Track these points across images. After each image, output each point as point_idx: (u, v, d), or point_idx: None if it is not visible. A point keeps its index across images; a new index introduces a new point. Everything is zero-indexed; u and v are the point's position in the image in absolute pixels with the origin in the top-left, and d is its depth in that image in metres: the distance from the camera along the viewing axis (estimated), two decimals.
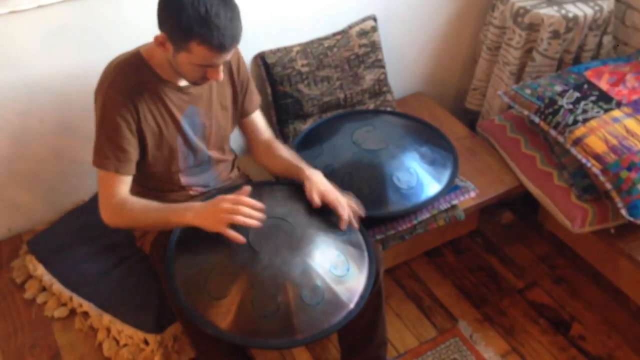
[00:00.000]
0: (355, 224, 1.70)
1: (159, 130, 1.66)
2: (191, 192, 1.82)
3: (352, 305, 1.56)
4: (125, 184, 1.64)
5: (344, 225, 1.65)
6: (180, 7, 1.41)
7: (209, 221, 1.53)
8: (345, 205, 1.68)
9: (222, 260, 1.54)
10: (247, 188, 1.60)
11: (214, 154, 1.82)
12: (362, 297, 1.58)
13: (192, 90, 1.68)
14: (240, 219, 1.51)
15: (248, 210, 1.53)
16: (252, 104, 1.85)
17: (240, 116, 1.85)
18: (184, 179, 1.79)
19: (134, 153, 1.63)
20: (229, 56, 1.50)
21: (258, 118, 1.89)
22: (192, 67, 1.51)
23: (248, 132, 1.90)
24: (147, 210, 1.61)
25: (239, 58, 1.77)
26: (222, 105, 1.78)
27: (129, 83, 1.58)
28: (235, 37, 1.46)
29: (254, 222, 1.52)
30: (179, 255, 1.60)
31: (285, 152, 1.84)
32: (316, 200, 1.65)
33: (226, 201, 1.54)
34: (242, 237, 1.51)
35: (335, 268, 1.57)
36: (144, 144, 1.65)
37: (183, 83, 1.65)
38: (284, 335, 1.48)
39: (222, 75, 1.55)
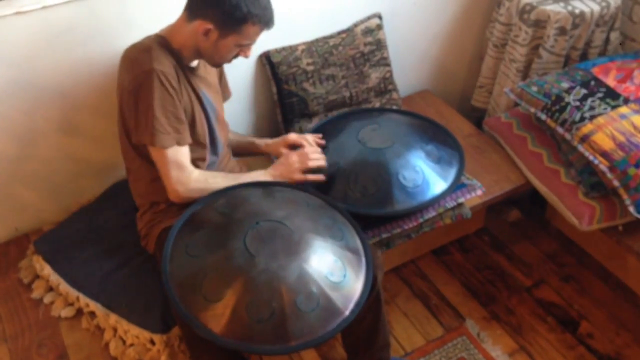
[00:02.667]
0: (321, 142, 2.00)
1: (191, 107, 1.73)
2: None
3: (347, 313, 1.53)
4: (188, 155, 1.71)
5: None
6: None
7: (286, 176, 1.82)
8: (305, 138, 1.98)
9: (218, 262, 1.53)
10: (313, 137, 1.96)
11: (222, 134, 1.90)
12: (357, 304, 1.56)
13: (200, 74, 1.76)
14: (312, 163, 1.86)
15: (314, 155, 1.88)
16: (224, 91, 2.00)
17: None
18: (207, 159, 1.86)
19: (186, 122, 1.69)
20: None
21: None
22: (234, 48, 1.66)
23: None
24: (227, 180, 1.76)
25: None
26: (217, 91, 1.89)
27: (168, 59, 1.65)
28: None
29: (322, 162, 1.89)
30: (176, 257, 1.59)
31: (232, 134, 2.05)
32: (283, 151, 1.94)
33: (293, 155, 1.86)
34: (322, 176, 1.86)
35: (331, 274, 1.55)
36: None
37: (193, 64, 1.75)
38: (278, 341, 1.46)
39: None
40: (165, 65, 1.63)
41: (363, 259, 1.66)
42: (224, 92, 2.00)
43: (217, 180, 1.75)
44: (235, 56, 1.72)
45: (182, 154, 1.68)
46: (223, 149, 1.93)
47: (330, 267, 1.56)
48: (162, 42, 1.68)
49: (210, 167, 1.88)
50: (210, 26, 1.61)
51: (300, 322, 1.47)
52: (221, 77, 1.97)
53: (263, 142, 2.05)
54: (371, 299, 1.69)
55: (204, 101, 1.77)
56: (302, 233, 1.59)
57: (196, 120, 1.75)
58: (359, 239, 1.72)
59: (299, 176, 1.83)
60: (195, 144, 1.77)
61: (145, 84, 1.61)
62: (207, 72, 1.81)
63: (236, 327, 1.46)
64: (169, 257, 1.59)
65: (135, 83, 1.62)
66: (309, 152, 1.89)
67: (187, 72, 1.72)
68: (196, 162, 1.80)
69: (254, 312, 1.46)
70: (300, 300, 1.49)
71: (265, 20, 1.65)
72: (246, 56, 1.72)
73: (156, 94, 1.61)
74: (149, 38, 1.70)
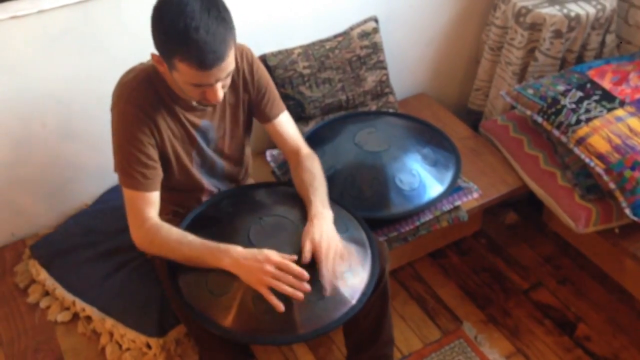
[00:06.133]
0: (336, 285, 1.51)
1: (177, 143, 1.64)
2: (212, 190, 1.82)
3: (354, 302, 1.54)
4: (153, 204, 1.58)
5: (306, 288, 1.46)
6: (161, 23, 1.38)
7: (249, 277, 1.45)
8: (330, 266, 1.51)
9: None
10: (294, 257, 1.49)
11: (229, 165, 1.82)
12: (364, 293, 1.57)
13: (201, 106, 1.64)
14: (285, 288, 1.43)
15: (293, 280, 1.44)
16: (272, 110, 1.76)
17: (261, 121, 1.79)
18: (205, 183, 1.78)
19: (158, 168, 1.59)
20: (221, 74, 1.43)
21: (280, 125, 1.78)
22: (188, 86, 1.46)
23: (275, 140, 1.81)
24: (181, 244, 1.52)
25: (252, 63, 1.71)
26: (234, 114, 1.73)
27: (146, 98, 1.54)
28: (219, 54, 1.38)
29: (297, 294, 1.43)
30: None
31: (307, 175, 1.69)
32: (306, 253, 1.50)
33: (272, 263, 1.45)
34: (282, 305, 1.43)
35: (337, 264, 1.56)
36: (166, 158, 1.63)
37: (195, 103, 1.62)
38: (286, 332, 1.47)
39: (220, 96, 1.48)
40: (140, 103, 1.53)
41: (369, 251, 1.67)
42: (269, 112, 1.76)
43: (172, 239, 1.53)
44: (207, 99, 1.50)
45: (144, 201, 1.55)
46: (231, 174, 1.84)
47: None
48: (151, 73, 1.57)
49: (215, 187, 1.83)
50: (158, 56, 1.46)
51: (307, 312, 1.48)
52: (260, 96, 1.74)
53: (310, 220, 1.59)
54: (378, 292, 1.69)
55: (196, 136, 1.67)
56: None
57: (181, 153, 1.66)
58: (363, 231, 1.72)
59: (262, 289, 1.44)
60: (183, 173, 1.70)
61: (114, 120, 1.56)
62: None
63: (244, 320, 1.46)
64: None
65: (111, 115, 1.59)
66: (293, 274, 1.45)
67: (177, 107, 1.60)
68: (192, 182, 1.75)
69: (260, 304, 1.46)
70: None
71: (193, 59, 1.36)
72: (212, 99, 1.48)
73: (121, 133, 1.54)
74: (145, 65, 1.60)
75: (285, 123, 1.80)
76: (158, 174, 1.59)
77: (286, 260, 1.46)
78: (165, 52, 1.41)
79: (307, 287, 1.45)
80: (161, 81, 1.57)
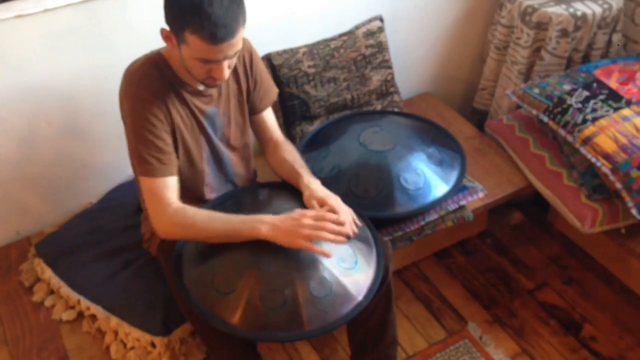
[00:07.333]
0: (356, 230, 1.60)
1: (186, 131, 1.64)
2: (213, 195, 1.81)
3: (360, 298, 1.55)
4: (173, 189, 1.57)
5: (348, 231, 1.56)
6: None
7: (289, 237, 1.48)
8: (347, 211, 1.62)
9: (229, 255, 1.54)
10: (327, 207, 1.58)
11: (236, 158, 1.81)
12: (370, 290, 1.57)
13: (211, 92, 1.66)
14: (327, 235, 1.49)
15: (333, 226, 1.51)
16: (262, 102, 1.80)
17: (251, 112, 1.81)
18: (208, 181, 1.77)
19: (173, 153, 1.59)
20: (230, 51, 1.44)
21: (268, 116, 1.84)
22: (195, 62, 1.46)
23: (257, 131, 1.86)
24: (212, 220, 1.53)
25: (252, 52, 1.73)
26: (239, 101, 1.75)
27: (156, 83, 1.55)
28: (230, 29, 1.39)
29: (340, 239, 1.51)
30: (186, 253, 1.61)
31: (289, 155, 1.77)
32: (315, 206, 1.59)
33: (308, 217, 1.51)
34: (328, 251, 1.49)
35: (342, 261, 1.56)
36: (176, 144, 1.63)
37: (201, 87, 1.63)
38: (293, 328, 1.48)
39: (226, 74, 1.49)
40: (151, 88, 1.54)
41: (374, 249, 1.67)
42: (259, 103, 1.80)
43: (199, 217, 1.53)
44: (212, 78, 1.51)
45: (164, 186, 1.55)
46: (235, 166, 1.83)
47: (341, 255, 1.58)
48: (158, 60, 1.58)
49: (225, 187, 1.82)
50: (168, 31, 1.47)
51: (314, 308, 1.49)
52: (255, 86, 1.77)
53: (306, 187, 1.66)
54: (382, 291, 1.69)
55: (203, 122, 1.67)
56: None
57: (190, 140, 1.66)
58: (368, 230, 1.72)
59: (305, 243, 1.48)
60: (189, 164, 1.69)
61: (127, 107, 1.56)
62: (222, 86, 1.68)
63: (251, 317, 1.47)
64: (180, 254, 1.61)
65: (121, 105, 1.60)
66: (330, 221, 1.53)
67: (186, 92, 1.61)
68: (196, 179, 1.74)
69: (267, 301, 1.47)
70: (313, 287, 1.50)
71: (204, 32, 1.37)
72: (218, 77, 1.49)
73: (135, 119, 1.54)
74: (150, 54, 1.61)
75: (270, 115, 1.86)
76: (174, 159, 1.59)
77: (322, 211, 1.55)
78: (177, 25, 1.42)
79: (348, 230, 1.55)
80: (168, 67, 1.58)
